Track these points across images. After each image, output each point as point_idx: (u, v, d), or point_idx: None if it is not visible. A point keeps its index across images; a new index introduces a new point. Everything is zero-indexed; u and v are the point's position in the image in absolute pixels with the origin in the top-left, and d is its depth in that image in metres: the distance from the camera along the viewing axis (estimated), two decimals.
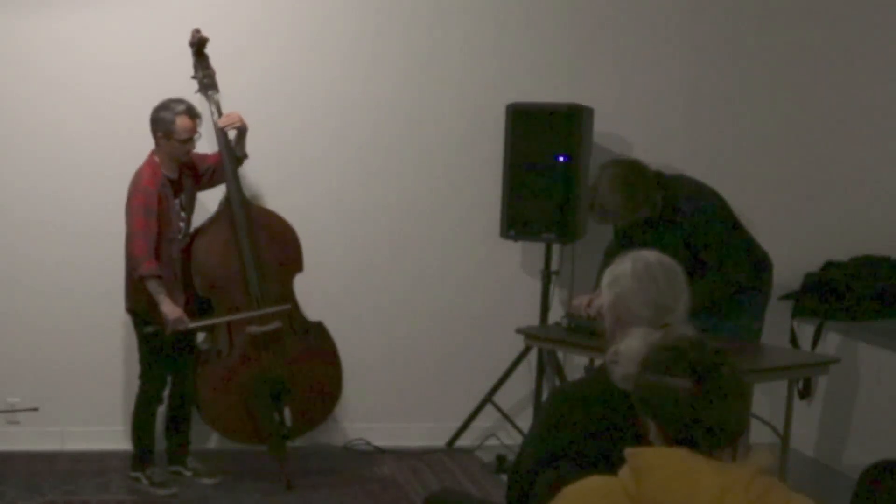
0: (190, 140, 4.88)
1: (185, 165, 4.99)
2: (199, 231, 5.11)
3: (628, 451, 2.17)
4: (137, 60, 5.37)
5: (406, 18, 5.64)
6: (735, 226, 4.91)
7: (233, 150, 5.10)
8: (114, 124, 5.36)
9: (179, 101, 4.89)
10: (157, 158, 4.90)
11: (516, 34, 5.74)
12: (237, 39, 5.45)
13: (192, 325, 4.93)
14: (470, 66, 5.71)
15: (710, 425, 2.14)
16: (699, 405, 2.14)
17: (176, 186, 4.95)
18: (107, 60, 5.36)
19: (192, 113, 4.87)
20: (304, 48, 5.57)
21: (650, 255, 2.83)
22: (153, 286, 4.79)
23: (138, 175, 4.87)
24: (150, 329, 4.87)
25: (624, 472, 2.17)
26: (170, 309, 4.80)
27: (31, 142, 5.35)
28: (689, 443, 2.15)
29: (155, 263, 4.80)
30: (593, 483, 2.24)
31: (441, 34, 5.68)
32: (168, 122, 4.82)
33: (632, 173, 4.78)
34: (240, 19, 5.48)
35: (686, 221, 4.77)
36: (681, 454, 2.13)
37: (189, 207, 5.05)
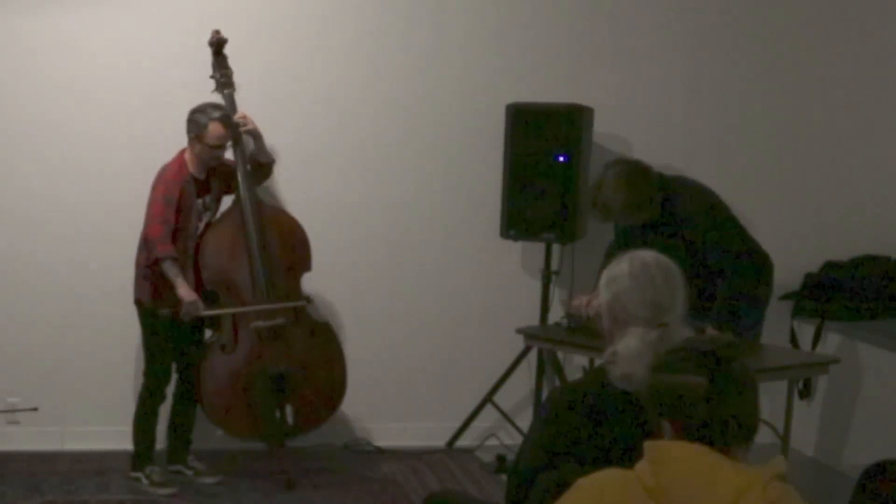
0: (220, 147, 4.94)
1: (215, 171, 5.04)
2: (209, 226, 5.13)
3: (647, 444, 2.17)
4: (137, 60, 5.37)
5: (406, 18, 5.64)
6: (735, 228, 4.91)
7: (244, 149, 5.13)
8: (113, 124, 5.37)
9: (217, 107, 4.96)
10: (186, 157, 4.96)
11: (516, 34, 5.74)
12: (237, 39, 5.42)
13: (206, 312, 4.94)
14: (470, 66, 5.72)
15: (726, 420, 2.15)
16: (715, 401, 2.15)
17: (201, 187, 5.00)
18: (107, 60, 5.37)
19: (225, 121, 4.93)
20: (305, 47, 5.57)
21: (647, 255, 2.83)
22: (169, 269, 4.81)
23: (164, 168, 4.94)
24: (164, 311, 4.88)
25: (641, 464, 2.17)
26: (186, 292, 4.83)
27: (32, 142, 5.35)
28: (707, 440, 2.15)
29: (171, 246, 4.83)
30: (608, 475, 2.25)
31: (441, 34, 5.68)
32: (201, 126, 4.88)
33: (635, 173, 4.79)
34: (240, 19, 5.47)
35: (686, 224, 4.78)
36: (701, 449, 2.14)
37: (213, 210, 5.10)
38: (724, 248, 4.78)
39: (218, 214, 5.17)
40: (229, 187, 5.14)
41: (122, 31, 5.38)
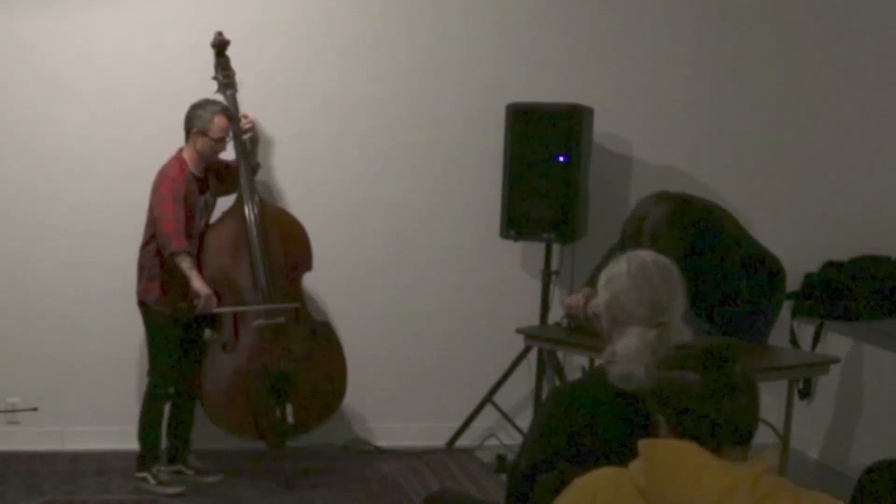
0: (223, 140, 4.95)
1: (211, 169, 5.04)
2: (211, 225, 5.14)
3: (642, 443, 2.17)
4: (137, 60, 5.38)
5: (406, 18, 5.64)
6: (746, 243, 4.92)
7: (248, 151, 5.15)
8: (113, 124, 5.37)
9: (216, 101, 4.99)
10: (185, 156, 4.95)
11: (516, 34, 5.74)
12: (237, 40, 5.43)
13: (219, 309, 4.94)
14: (470, 66, 5.72)
15: (717, 420, 2.13)
16: (706, 399, 2.14)
17: (201, 185, 4.99)
18: (107, 60, 5.37)
19: (228, 113, 4.97)
20: (304, 48, 5.57)
21: (646, 255, 2.83)
22: (184, 263, 4.81)
23: (165, 167, 4.92)
24: (182, 306, 4.88)
25: (635, 463, 2.17)
26: (201, 286, 4.82)
27: (31, 142, 5.35)
28: (697, 439, 2.14)
29: (185, 241, 4.82)
30: (602, 474, 2.25)
31: (441, 34, 5.68)
32: (205, 120, 4.88)
33: (684, 213, 4.72)
34: (240, 20, 5.47)
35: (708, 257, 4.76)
36: (690, 447, 2.13)
37: (211, 208, 5.11)
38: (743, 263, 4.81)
39: (215, 213, 5.16)
40: (226, 187, 5.14)
41: (122, 31, 5.38)
